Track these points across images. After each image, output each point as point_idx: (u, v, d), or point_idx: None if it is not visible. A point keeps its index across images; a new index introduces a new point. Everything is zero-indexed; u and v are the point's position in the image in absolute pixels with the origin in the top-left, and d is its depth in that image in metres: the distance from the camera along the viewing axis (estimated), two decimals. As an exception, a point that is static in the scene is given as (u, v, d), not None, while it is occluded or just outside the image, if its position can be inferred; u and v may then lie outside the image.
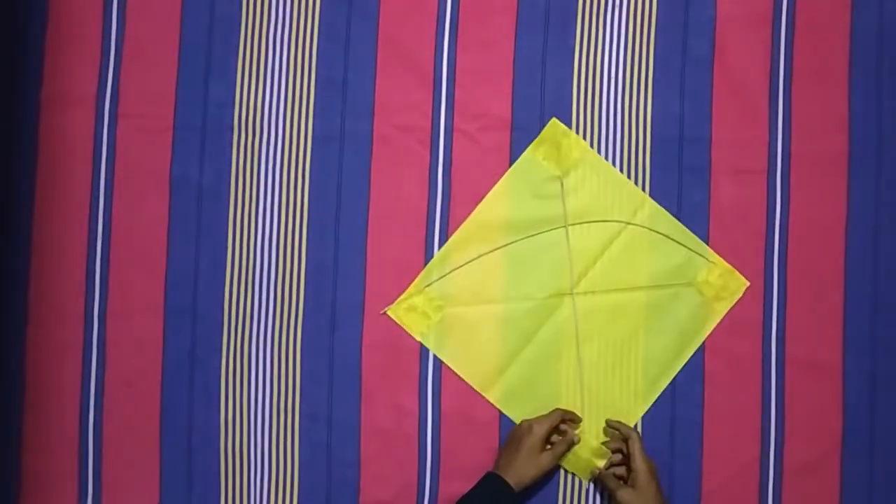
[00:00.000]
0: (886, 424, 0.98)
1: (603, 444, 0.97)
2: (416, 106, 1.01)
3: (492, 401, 0.99)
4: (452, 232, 1.00)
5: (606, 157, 1.01)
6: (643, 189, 1.01)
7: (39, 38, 1.00)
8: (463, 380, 0.99)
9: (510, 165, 1.01)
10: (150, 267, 0.99)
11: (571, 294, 0.99)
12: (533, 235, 1.00)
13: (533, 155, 1.00)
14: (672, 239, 1.00)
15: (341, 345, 0.99)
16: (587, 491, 0.98)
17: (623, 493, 0.90)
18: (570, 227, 1.00)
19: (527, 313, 0.99)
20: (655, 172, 1.01)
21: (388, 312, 0.99)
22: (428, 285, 0.99)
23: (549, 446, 0.94)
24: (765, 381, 0.99)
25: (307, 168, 1.00)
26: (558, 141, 1.00)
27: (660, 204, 1.00)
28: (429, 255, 1.00)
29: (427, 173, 1.01)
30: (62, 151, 0.99)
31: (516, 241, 1.00)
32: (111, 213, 0.99)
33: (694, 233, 1.00)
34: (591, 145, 1.01)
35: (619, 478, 0.94)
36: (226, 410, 0.99)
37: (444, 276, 0.99)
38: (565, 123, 1.01)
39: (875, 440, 0.98)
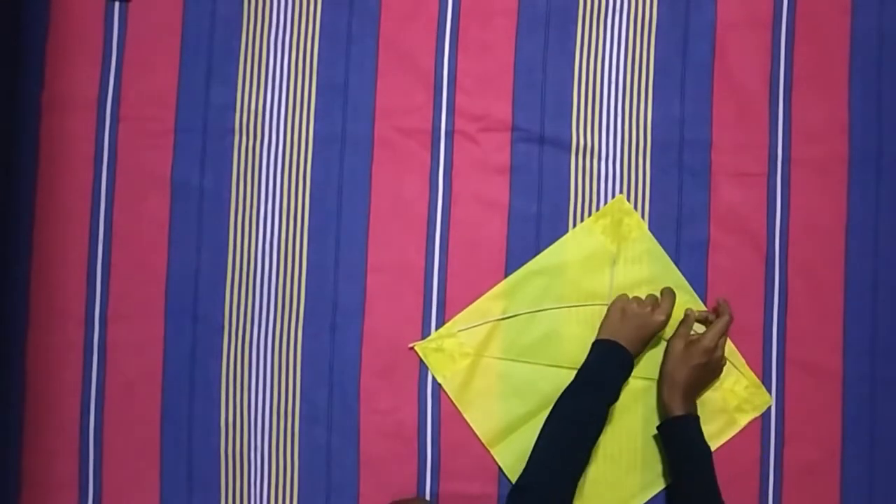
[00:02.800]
0: (886, 427, 0.98)
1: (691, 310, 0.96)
2: (417, 108, 1.01)
3: (495, 456, 0.98)
4: (453, 234, 1.00)
5: (606, 160, 1.01)
6: (643, 192, 1.01)
7: (41, 42, 0.99)
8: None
9: (511, 168, 1.01)
10: (150, 270, 0.99)
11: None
12: (575, 306, 0.99)
13: (592, 226, 1.00)
14: None
15: (341, 347, 0.99)
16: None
17: (678, 343, 0.93)
18: None
19: (550, 380, 0.98)
20: (655, 175, 1.01)
21: (416, 348, 0.99)
22: (461, 330, 0.99)
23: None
24: (765, 384, 0.99)
25: (308, 171, 1.00)
26: (620, 218, 1.00)
27: (659, 207, 1.00)
28: (429, 257, 1.00)
29: (428, 175, 1.01)
30: (63, 154, 0.99)
31: (557, 307, 0.99)
32: (112, 216, 0.99)
33: (693, 235, 1.00)
34: (592, 148, 1.01)
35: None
36: (226, 413, 0.99)
37: (479, 325, 0.99)
38: (566, 126, 1.01)
39: (875, 442, 0.98)
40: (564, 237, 1.00)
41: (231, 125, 1.00)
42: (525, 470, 0.89)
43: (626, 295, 0.97)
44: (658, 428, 0.93)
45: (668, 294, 0.96)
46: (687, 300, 0.99)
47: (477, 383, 0.98)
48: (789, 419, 0.99)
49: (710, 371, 0.95)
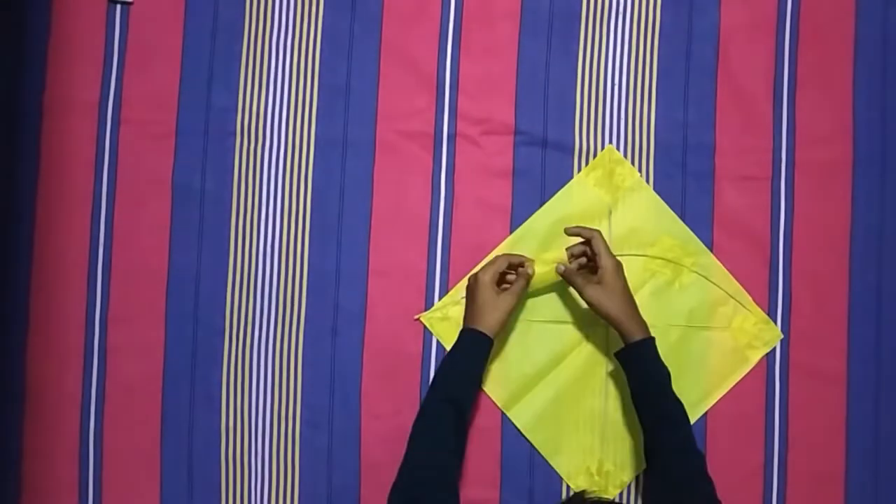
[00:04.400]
0: (891, 432, 0.98)
1: (567, 249, 0.94)
2: (419, 111, 1.01)
3: (513, 419, 0.98)
4: (455, 238, 1.00)
5: (610, 164, 1.01)
6: (646, 195, 1.01)
7: (42, 44, 0.99)
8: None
9: (513, 171, 1.00)
10: (151, 273, 0.99)
11: (605, 324, 0.97)
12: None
13: (585, 179, 1.00)
14: (711, 282, 0.99)
15: (342, 352, 0.99)
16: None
17: (591, 290, 0.89)
18: None
19: (559, 336, 0.99)
20: (659, 179, 1.00)
21: (422, 319, 0.99)
22: (465, 297, 0.98)
23: (506, 285, 0.93)
24: (769, 389, 0.99)
25: (310, 174, 1.00)
26: (612, 168, 1.00)
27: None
28: (431, 261, 1.00)
29: (430, 178, 1.01)
30: (64, 157, 0.99)
31: (557, 264, 0.98)
32: (113, 219, 0.99)
33: (697, 239, 1.00)
34: (594, 152, 1.01)
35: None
36: (227, 417, 0.98)
37: None
38: (568, 129, 1.01)
39: (880, 448, 0.98)
40: (558, 194, 1.00)
41: (232, 128, 1.00)
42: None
43: (473, 276, 0.93)
44: (618, 355, 0.90)
45: (522, 276, 0.93)
46: (685, 244, 0.99)
47: None
48: (793, 424, 0.98)
49: (624, 283, 0.91)
